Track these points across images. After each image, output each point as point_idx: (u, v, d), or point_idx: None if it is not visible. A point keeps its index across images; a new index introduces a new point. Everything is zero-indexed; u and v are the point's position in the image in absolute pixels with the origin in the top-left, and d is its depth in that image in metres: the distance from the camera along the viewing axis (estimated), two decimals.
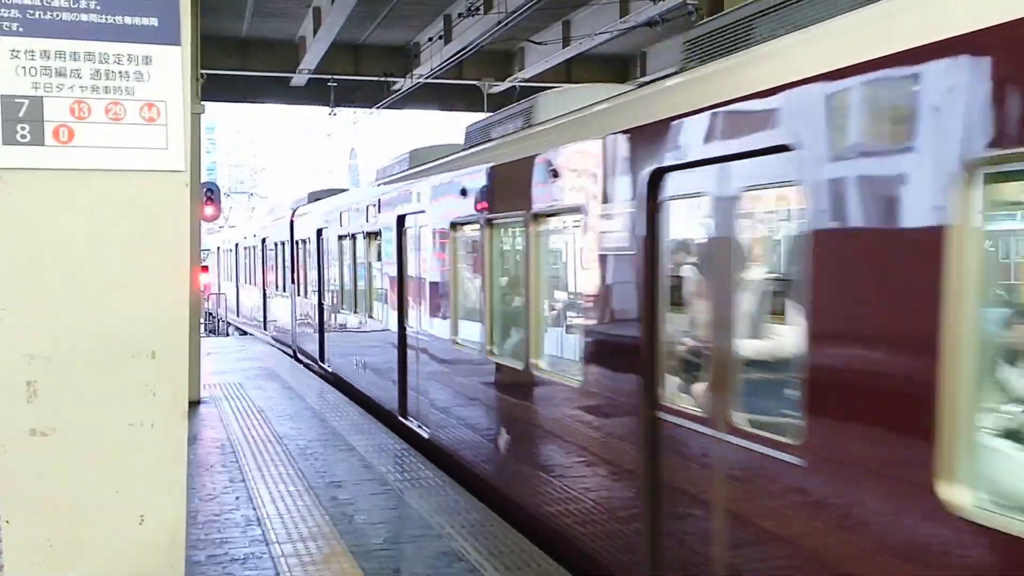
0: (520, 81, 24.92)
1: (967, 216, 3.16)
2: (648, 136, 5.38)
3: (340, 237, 15.15)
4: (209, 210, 16.87)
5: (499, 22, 18.39)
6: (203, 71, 16.22)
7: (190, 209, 4.96)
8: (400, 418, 11.36)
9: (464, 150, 9.65)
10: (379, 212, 12.41)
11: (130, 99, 4.68)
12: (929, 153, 3.34)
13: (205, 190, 16.52)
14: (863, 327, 3.68)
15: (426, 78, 23.30)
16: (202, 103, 14.12)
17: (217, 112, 72.90)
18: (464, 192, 8.72)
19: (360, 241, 13.86)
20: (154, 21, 4.69)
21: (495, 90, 25.50)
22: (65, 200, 4.64)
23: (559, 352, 7.18)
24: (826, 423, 3.79)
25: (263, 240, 24.67)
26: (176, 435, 4.85)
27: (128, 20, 4.66)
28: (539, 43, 22.24)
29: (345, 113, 29.67)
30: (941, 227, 3.22)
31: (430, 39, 22.40)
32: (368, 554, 6.61)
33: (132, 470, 4.80)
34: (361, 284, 14.04)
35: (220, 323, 36.22)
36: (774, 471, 4.12)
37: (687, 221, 5.26)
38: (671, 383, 5.24)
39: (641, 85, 7.05)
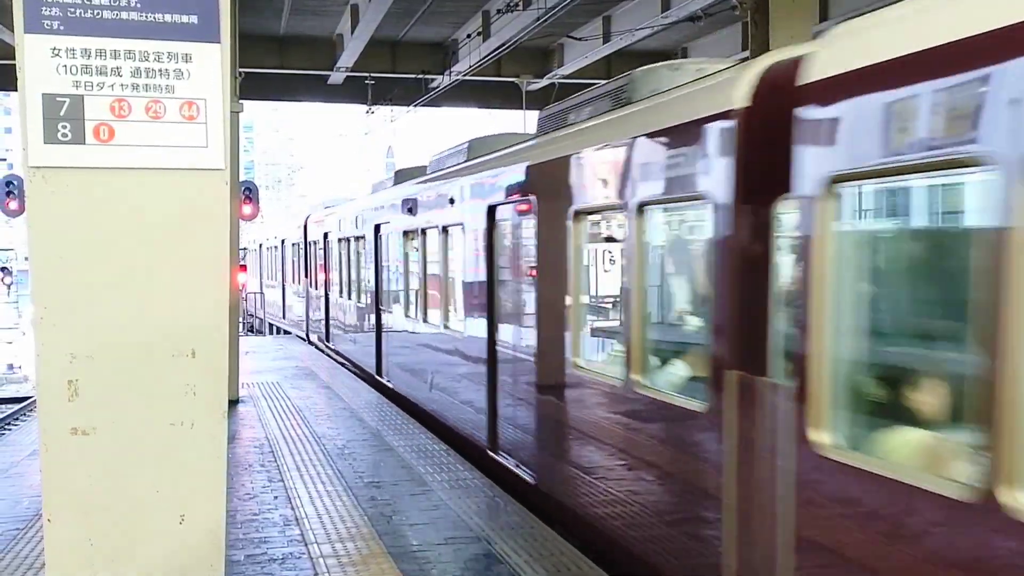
0: (559, 78, 24.80)
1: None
2: None
3: None
4: (247, 209, 16.95)
5: (538, 18, 18.29)
6: (241, 69, 16.27)
7: (230, 207, 4.94)
8: None
9: None
10: None
11: (170, 97, 4.65)
12: None
13: (243, 189, 16.60)
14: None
15: (464, 75, 23.27)
16: (240, 102, 14.16)
17: (253, 111, 73.56)
18: None
19: None
20: (194, 19, 4.66)
21: (533, 87, 25.42)
22: (105, 199, 4.63)
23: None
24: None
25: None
26: (216, 434, 4.84)
27: (168, 18, 4.63)
28: (578, 39, 22.08)
29: (382, 111, 29.73)
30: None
31: (468, 36, 22.34)
32: (407, 555, 6.56)
33: (173, 469, 4.79)
34: None
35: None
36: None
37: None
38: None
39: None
